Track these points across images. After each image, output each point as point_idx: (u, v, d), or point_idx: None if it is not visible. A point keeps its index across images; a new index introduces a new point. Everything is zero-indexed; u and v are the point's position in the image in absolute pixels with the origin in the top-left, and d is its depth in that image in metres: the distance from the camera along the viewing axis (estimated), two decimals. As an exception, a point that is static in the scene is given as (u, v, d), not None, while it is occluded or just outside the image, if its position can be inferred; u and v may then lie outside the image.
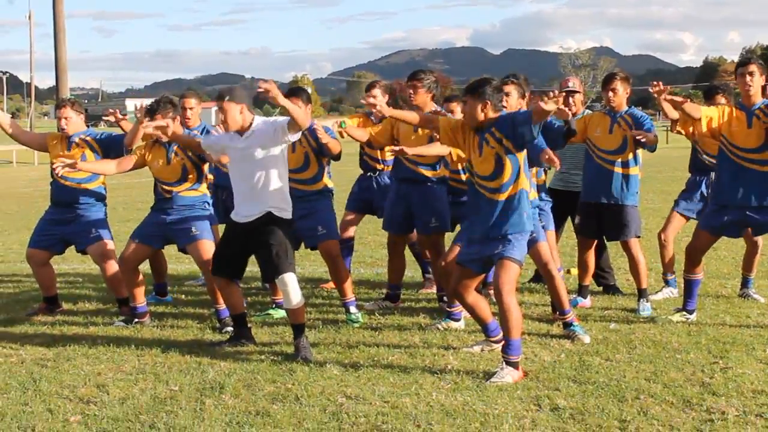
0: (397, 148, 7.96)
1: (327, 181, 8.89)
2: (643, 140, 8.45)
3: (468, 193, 7.32)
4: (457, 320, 8.34)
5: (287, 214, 7.57)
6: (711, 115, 8.14)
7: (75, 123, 9.05)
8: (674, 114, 8.34)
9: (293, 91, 8.58)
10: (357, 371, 6.95)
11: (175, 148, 8.55)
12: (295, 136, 7.40)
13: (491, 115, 6.95)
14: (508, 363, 6.76)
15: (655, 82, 8.01)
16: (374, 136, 8.80)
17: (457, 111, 8.58)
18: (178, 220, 8.61)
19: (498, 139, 6.91)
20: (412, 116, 7.51)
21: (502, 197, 6.94)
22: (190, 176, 8.59)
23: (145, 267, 9.24)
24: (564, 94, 9.36)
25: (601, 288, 9.97)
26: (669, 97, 8.04)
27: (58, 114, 9.10)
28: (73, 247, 9.30)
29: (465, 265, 7.21)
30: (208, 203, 8.82)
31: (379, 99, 9.75)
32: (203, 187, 8.74)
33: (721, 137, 8.20)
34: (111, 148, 8.99)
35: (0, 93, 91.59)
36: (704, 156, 9.44)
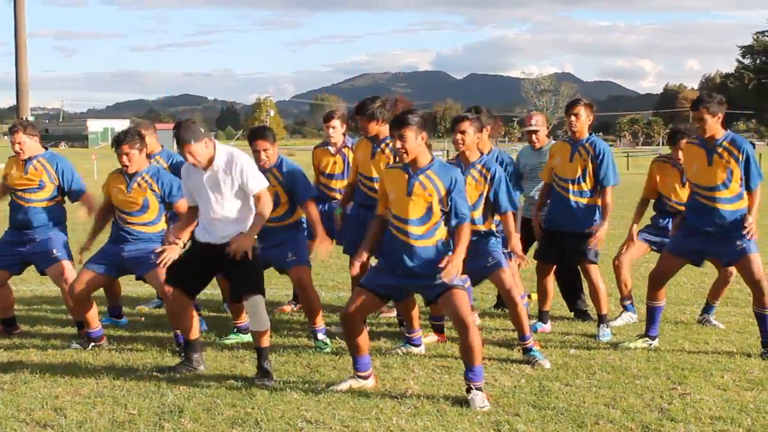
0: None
1: (299, 213, 8.79)
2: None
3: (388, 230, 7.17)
4: (417, 345, 8.34)
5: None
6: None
7: (30, 147, 8.94)
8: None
9: (257, 130, 8.54)
10: (317, 395, 6.93)
11: (138, 179, 8.49)
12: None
13: (424, 149, 6.94)
14: (478, 389, 6.75)
15: None
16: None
17: (469, 132, 8.49)
18: (135, 251, 8.53)
19: (437, 187, 6.86)
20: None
21: (430, 242, 6.90)
22: (150, 209, 8.53)
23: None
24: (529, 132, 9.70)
25: (572, 313, 10.03)
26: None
27: (11, 139, 8.96)
28: (31, 268, 9.23)
29: (375, 291, 7.07)
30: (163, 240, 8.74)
31: (338, 130, 9.93)
32: (162, 223, 8.66)
33: (687, 180, 8.34)
34: (70, 190, 9.04)
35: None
36: (669, 202, 9.47)
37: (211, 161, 7.35)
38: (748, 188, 8.09)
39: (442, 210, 6.90)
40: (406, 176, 6.92)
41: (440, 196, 6.86)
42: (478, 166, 8.03)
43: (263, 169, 8.13)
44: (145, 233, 8.54)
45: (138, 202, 8.47)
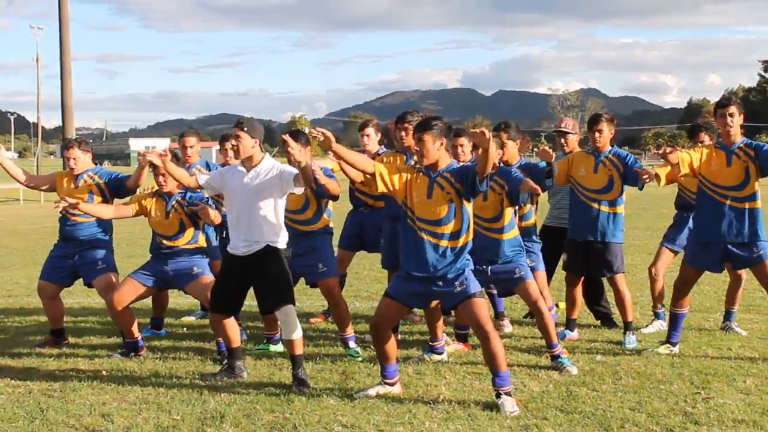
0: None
1: (327, 220, 9.01)
2: (648, 179, 8.53)
3: (404, 233, 7.37)
4: (440, 353, 8.53)
5: (283, 243, 7.74)
6: (688, 158, 8.36)
7: (83, 162, 9.35)
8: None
9: (292, 134, 8.85)
10: (353, 401, 7.12)
11: (173, 203, 8.85)
12: (299, 189, 7.67)
13: (444, 154, 7.17)
14: (507, 394, 6.93)
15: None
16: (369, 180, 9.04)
17: (466, 145, 8.74)
18: (177, 267, 8.87)
19: (452, 184, 7.05)
20: (359, 158, 7.47)
21: (452, 244, 7.09)
22: (188, 230, 8.89)
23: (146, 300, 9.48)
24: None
25: (599, 321, 10.21)
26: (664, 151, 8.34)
27: (66, 154, 9.38)
28: (79, 281, 9.55)
29: (400, 299, 7.30)
30: (204, 254, 9.07)
31: (372, 138, 10.12)
32: (201, 240, 9.01)
33: (700, 176, 8.42)
34: (118, 188, 9.35)
35: (7, 133, 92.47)
36: (686, 194, 9.71)
37: (256, 163, 7.69)
38: None
39: (464, 212, 7.08)
40: (428, 179, 7.16)
41: (459, 192, 7.03)
42: (496, 177, 8.19)
43: None
44: (184, 250, 8.88)
45: (175, 226, 8.84)
